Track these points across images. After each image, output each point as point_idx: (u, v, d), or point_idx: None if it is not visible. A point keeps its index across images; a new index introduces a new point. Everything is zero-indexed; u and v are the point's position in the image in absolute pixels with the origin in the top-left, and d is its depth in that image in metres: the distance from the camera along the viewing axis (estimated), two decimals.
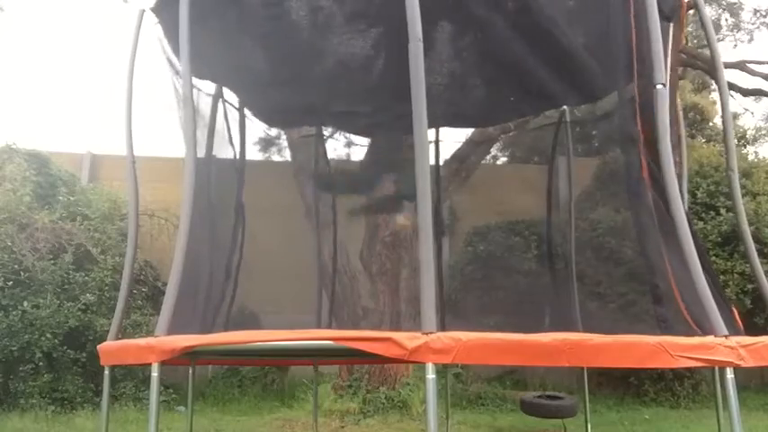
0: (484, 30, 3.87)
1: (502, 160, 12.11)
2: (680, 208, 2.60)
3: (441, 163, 5.82)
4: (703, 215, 7.20)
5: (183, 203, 2.86)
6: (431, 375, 2.10)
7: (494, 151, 11.43)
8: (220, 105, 4.15)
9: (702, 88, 11.65)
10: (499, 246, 7.27)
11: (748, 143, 11.34)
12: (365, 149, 5.82)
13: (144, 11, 3.42)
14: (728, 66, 8.53)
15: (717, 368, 2.94)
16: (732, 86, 8.89)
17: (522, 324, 2.99)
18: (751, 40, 9.84)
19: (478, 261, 6.91)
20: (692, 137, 10.16)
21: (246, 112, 4.55)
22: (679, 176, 2.86)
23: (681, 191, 2.75)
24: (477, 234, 7.10)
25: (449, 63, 4.24)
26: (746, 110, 11.82)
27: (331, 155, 5.64)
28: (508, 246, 7.25)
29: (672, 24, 3.19)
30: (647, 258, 3.02)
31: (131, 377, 6.42)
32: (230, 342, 2.66)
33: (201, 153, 3.61)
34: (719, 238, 7.02)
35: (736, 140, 10.28)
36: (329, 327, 5.24)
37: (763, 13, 9.49)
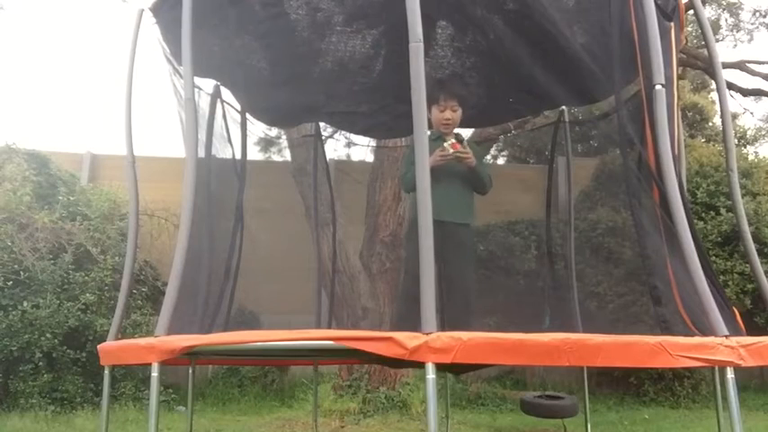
0: (483, 30, 3.87)
1: (501, 160, 12.14)
2: (680, 208, 2.60)
3: None
4: (703, 215, 7.19)
5: (183, 203, 2.85)
6: (431, 375, 2.09)
7: (493, 151, 11.46)
8: (219, 105, 4.14)
9: (702, 88, 11.65)
10: (499, 246, 7.27)
11: (748, 143, 11.34)
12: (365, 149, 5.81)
13: (143, 10, 3.41)
14: (728, 66, 8.53)
15: (717, 368, 2.93)
16: (732, 86, 8.88)
17: (522, 324, 2.99)
18: (751, 40, 9.85)
19: (478, 261, 6.90)
20: (692, 137, 10.16)
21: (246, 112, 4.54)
22: (678, 176, 2.84)
23: (680, 191, 2.73)
24: (478, 234, 7.09)
25: (448, 63, 4.24)
26: (746, 110, 11.87)
27: (331, 155, 5.63)
28: (508, 246, 7.25)
29: (672, 24, 3.18)
30: (646, 258, 3.01)
31: (131, 377, 6.41)
32: (230, 342, 2.65)
33: (202, 153, 3.61)
34: (719, 238, 7.02)
35: (736, 140, 10.28)
36: (329, 327, 5.23)
37: (763, 13, 9.49)
